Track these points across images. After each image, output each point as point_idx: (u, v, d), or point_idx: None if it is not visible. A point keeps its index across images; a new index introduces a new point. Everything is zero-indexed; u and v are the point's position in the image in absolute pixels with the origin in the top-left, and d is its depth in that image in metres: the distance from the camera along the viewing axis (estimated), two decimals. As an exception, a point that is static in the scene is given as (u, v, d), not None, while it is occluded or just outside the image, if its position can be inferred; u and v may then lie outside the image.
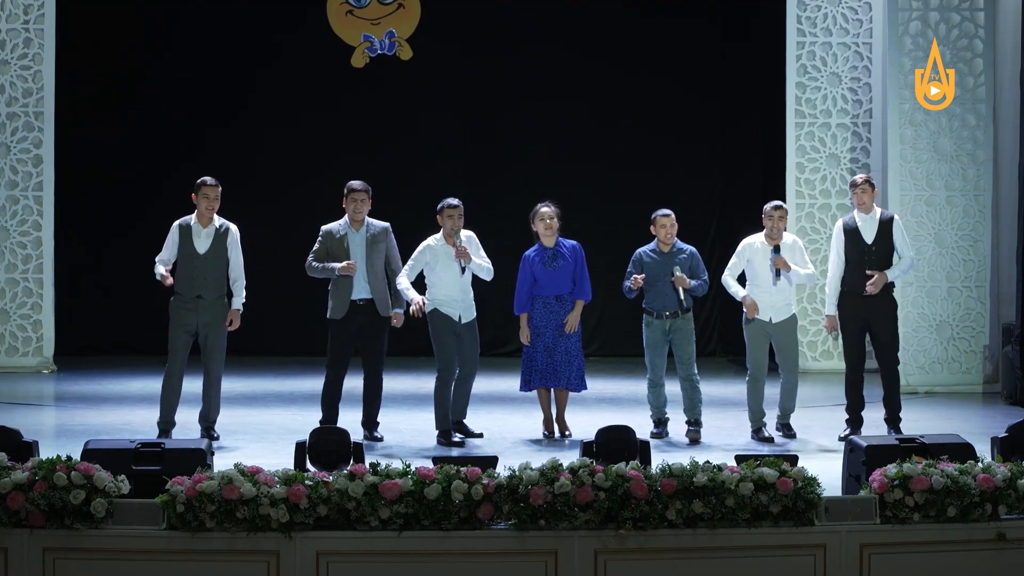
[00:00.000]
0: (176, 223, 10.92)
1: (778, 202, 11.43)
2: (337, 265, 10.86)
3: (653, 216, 11.26)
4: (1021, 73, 13.77)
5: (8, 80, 15.33)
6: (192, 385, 11.09)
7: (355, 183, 11.07)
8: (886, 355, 11.30)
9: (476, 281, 11.23)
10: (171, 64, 16.78)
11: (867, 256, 11.16)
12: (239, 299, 10.88)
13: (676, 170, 16.86)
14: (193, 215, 10.89)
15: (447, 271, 10.98)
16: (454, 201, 11.04)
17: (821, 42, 15.75)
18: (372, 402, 11.10)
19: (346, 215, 11.04)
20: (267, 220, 16.44)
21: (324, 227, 11.08)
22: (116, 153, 16.57)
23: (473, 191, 15.68)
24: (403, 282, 10.91)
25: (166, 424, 10.77)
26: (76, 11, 15.97)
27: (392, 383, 14.22)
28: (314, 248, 11.04)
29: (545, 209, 11.27)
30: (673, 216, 11.24)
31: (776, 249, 11.14)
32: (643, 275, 11.09)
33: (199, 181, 10.91)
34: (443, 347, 10.98)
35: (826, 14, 15.74)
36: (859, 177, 11.40)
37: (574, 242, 11.34)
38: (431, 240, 11.06)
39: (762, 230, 11.28)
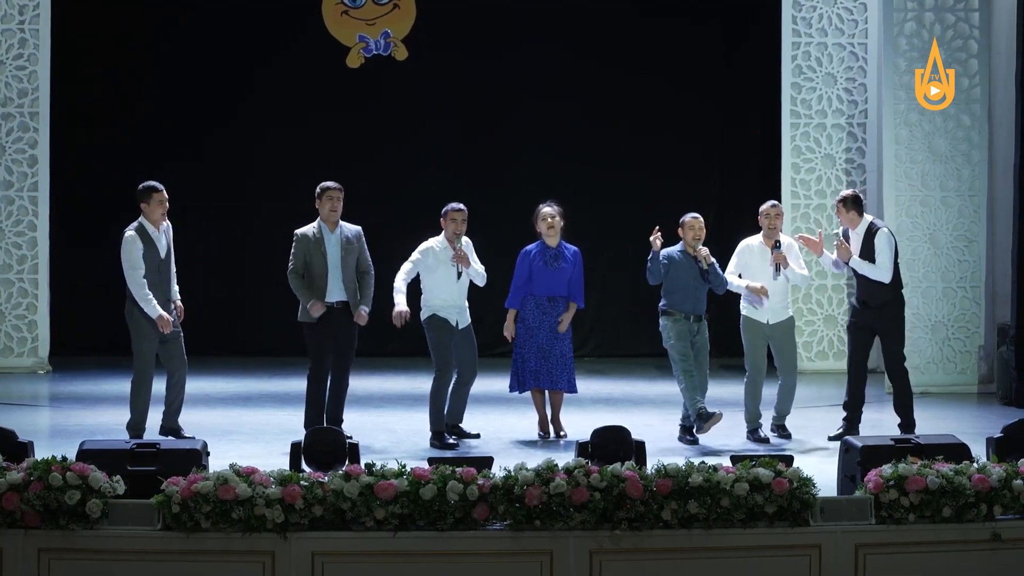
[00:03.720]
0: (132, 234, 10.55)
1: (773, 201, 11.50)
2: (308, 303, 10.75)
3: (682, 220, 11.16)
4: (1016, 73, 13.78)
5: (3, 80, 15.32)
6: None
7: (329, 183, 10.98)
8: (889, 362, 11.37)
9: (470, 283, 11.22)
10: (167, 64, 16.76)
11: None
12: (176, 290, 10.79)
13: (674, 171, 16.85)
14: (140, 221, 10.61)
15: (445, 275, 10.97)
16: (459, 205, 11.06)
17: (816, 42, 15.76)
18: (338, 402, 11.00)
19: (319, 217, 10.94)
20: (263, 220, 16.46)
21: (298, 231, 10.96)
22: (111, 153, 16.54)
23: (470, 192, 15.64)
24: (399, 284, 10.92)
25: (137, 431, 10.62)
26: (72, 11, 15.96)
27: (388, 384, 14.27)
28: (292, 253, 10.90)
29: (547, 209, 11.29)
30: (702, 220, 11.20)
31: (776, 245, 11.18)
32: (659, 236, 10.96)
33: (147, 186, 10.65)
34: (441, 351, 10.97)
35: (821, 15, 15.75)
36: (840, 195, 11.51)
37: (576, 248, 11.34)
38: (433, 242, 11.05)
39: (758, 232, 11.32)
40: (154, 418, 10.83)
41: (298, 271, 10.91)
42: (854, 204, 11.30)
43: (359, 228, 11.08)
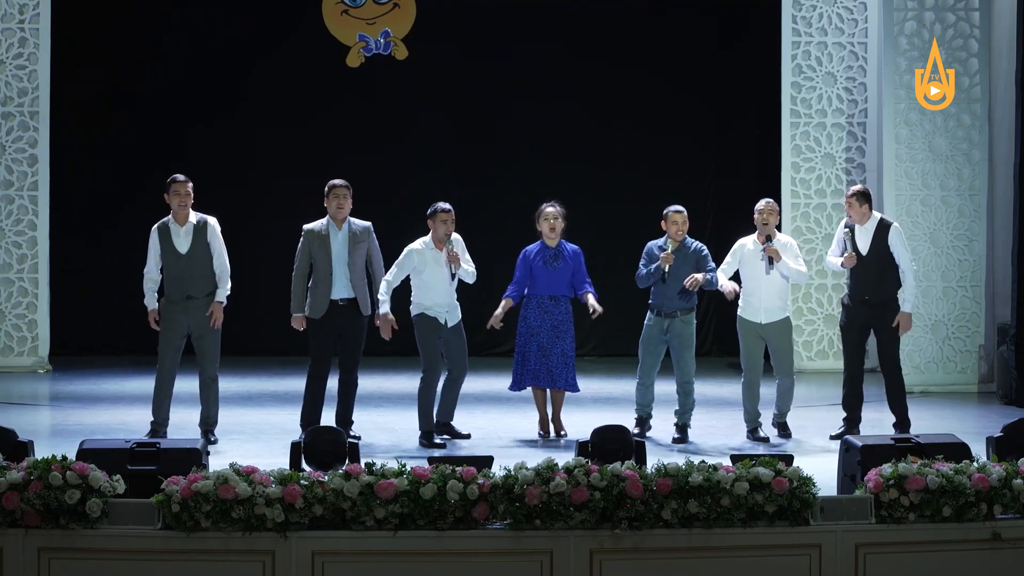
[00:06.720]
0: (154, 227, 10.82)
1: (768, 199, 11.47)
2: (295, 314, 10.96)
3: (665, 212, 11.23)
4: (1016, 73, 13.78)
5: (3, 80, 15.32)
6: (191, 385, 11.08)
7: (337, 180, 11.02)
8: (885, 358, 11.34)
9: (467, 282, 11.21)
10: (166, 63, 16.77)
11: (862, 266, 11.19)
12: (222, 291, 10.79)
13: (672, 169, 16.86)
14: (170, 215, 10.81)
15: (435, 276, 10.93)
16: (446, 206, 10.99)
17: (816, 42, 15.76)
18: (346, 401, 11.01)
19: (328, 214, 10.98)
20: (261, 219, 16.46)
21: (306, 226, 11.03)
22: (112, 152, 16.56)
23: (468, 191, 15.69)
24: (384, 290, 10.85)
25: (158, 425, 10.75)
26: (72, 11, 15.96)
27: (388, 384, 14.25)
28: (298, 249, 10.97)
29: (550, 209, 11.27)
30: (685, 213, 11.21)
31: (768, 239, 11.16)
32: (671, 254, 11.04)
33: (169, 179, 10.84)
34: (428, 350, 10.97)
35: (821, 14, 15.75)
36: (849, 190, 11.47)
37: (576, 246, 11.34)
38: (417, 244, 11.00)
39: (756, 231, 11.31)
40: (182, 417, 10.95)
41: (301, 272, 10.95)
42: (867, 199, 11.27)
43: (369, 224, 11.07)
